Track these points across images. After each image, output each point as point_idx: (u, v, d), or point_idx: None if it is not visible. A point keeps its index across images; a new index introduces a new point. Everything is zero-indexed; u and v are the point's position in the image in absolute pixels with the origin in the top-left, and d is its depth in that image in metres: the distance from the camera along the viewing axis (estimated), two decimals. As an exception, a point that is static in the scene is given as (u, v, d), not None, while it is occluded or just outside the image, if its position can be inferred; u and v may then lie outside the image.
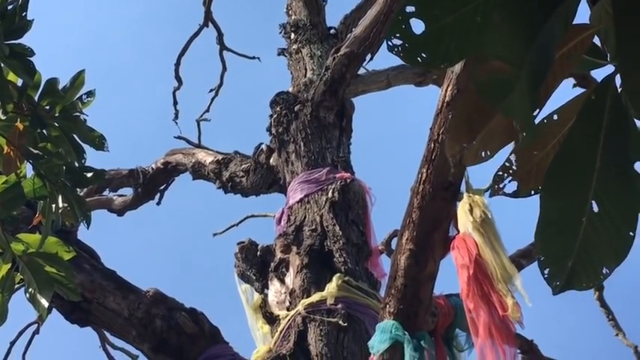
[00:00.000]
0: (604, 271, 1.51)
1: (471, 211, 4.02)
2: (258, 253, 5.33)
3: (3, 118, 2.36)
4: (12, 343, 6.81)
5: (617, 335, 6.43)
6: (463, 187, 4.17)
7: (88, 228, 2.61)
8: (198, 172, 6.81)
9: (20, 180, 2.47)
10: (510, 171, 1.71)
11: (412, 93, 7.48)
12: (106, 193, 7.58)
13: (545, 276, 1.53)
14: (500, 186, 1.72)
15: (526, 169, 1.68)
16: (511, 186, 1.72)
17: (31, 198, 2.51)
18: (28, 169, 2.55)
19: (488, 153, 1.65)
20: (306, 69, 6.65)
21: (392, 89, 7.22)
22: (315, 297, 4.78)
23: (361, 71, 6.90)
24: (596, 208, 1.49)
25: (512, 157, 1.71)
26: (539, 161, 1.65)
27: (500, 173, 1.72)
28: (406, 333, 3.39)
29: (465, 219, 4.01)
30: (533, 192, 1.70)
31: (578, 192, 1.48)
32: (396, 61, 7.24)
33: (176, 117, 8.18)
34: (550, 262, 1.52)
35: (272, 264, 5.21)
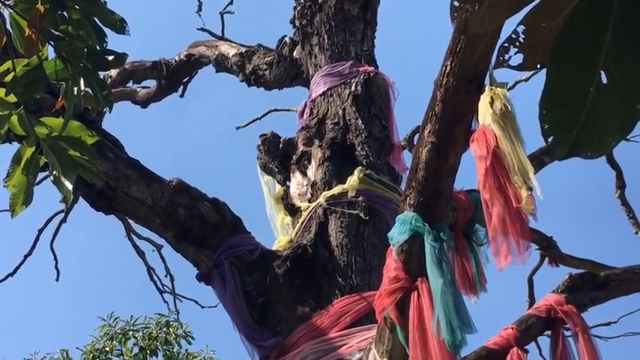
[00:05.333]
0: (609, 142, 1.51)
1: (492, 103, 3.98)
2: (281, 145, 5.35)
3: (24, -1, 2.34)
4: (40, 231, 6.98)
5: (636, 233, 6.47)
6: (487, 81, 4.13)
7: (109, 112, 2.62)
8: (221, 64, 6.78)
9: (42, 62, 2.47)
10: (517, 43, 1.66)
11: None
12: (129, 84, 7.59)
13: (549, 144, 1.52)
14: (505, 58, 1.68)
15: (533, 42, 1.63)
16: (517, 59, 1.68)
17: (53, 80, 2.51)
18: (49, 51, 2.54)
19: (494, 21, 1.60)
20: (331, -40, 6.50)
21: (419, -18, 7.07)
22: (337, 189, 4.82)
23: (387, -37, 6.74)
24: (604, 80, 1.47)
25: (519, 29, 1.66)
26: (547, 33, 1.60)
27: (506, 45, 1.67)
28: (426, 224, 3.40)
29: (485, 111, 3.99)
30: (539, 65, 1.66)
31: (586, 62, 1.45)
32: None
33: (199, 9, 8.09)
34: (554, 130, 1.51)
35: (294, 156, 5.24)
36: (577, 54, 1.47)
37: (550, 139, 1.52)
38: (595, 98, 1.47)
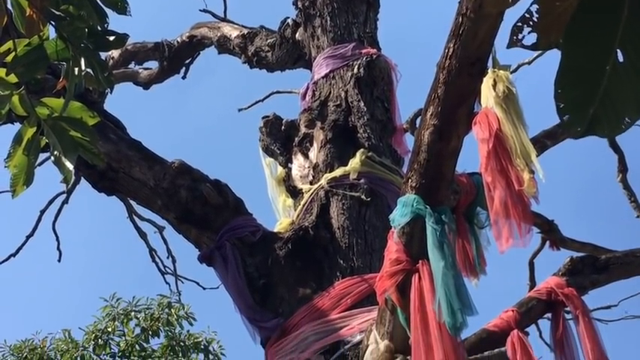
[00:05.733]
0: (625, 121, 1.50)
1: (495, 86, 3.97)
2: (283, 127, 5.35)
3: (25, -21, 2.33)
4: (42, 212, 6.99)
5: (638, 217, 6.47)
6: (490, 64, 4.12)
7: (111, 93, 2.62)
8: (223, 46, 6.76)
9: (43, 42, 2.46)
10: (530, 22, 1.65)
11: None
12: (131, 66, 7.58)
13: (565, 123, 1.52)
14: (519, 37, 1.68)
15: (547, 21, 1.62)
16: (530, 38, 1.68)
17: (54, 60, 2.51)
18: (50, 32, 2.54)
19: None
20: (333, -60, 6.46)
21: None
22: (339, 171, 4.82)
23: (391, -55, 6.70)
24: (621, 58, 1.46)
25: (533, 8, 1.65)
26: (562, 12, 1.59)
27: (520, 24, 1.66)
28: (428, 207, 3.40)
29: (487, 94, 3.98)
30: (553, 45, 1.66)
31: (603, 40, 1.44)
32: None
33: (202, -10, 8.04)
34: (570, 109, 1.51)
35: (296, 138, 5.23)
36: (593, 32, 1.46)
37: (565, 118, 1.52)
38: (611, 76, 1.47)
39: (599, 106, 1.49)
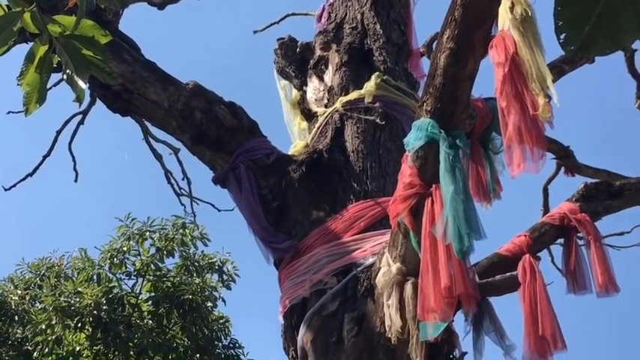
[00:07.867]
0: (623, 39, 1.49)
1: (512, 8, 3.90)
2: (298, 49, 5.30)
3: None
4: (58, 132, 6.99)
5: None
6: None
7: (122, 10, 2.58)
8: (239, -35, 6.67)
9: (54, -42, 2.43)
10: None
11: None
12: (146, -15, 7.48)
13: (561, 41, 1.52)
14: None
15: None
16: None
17: (65, -23, 2.48)
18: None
19: None
20: None
21: None
22: (354, 95, 4.79)
23: None
24: None
25: None
26: None
27: None
28: (442, 131, 3.39)
29: (505, 17, 3.91)
30: None
31: None
32: None
33: None
34: (567, 27, 1.50)
35: (311, 61, 5.19)
36: None
37: (562, 36, 1.51)
38: None
39: (595, 24, 1.48)
